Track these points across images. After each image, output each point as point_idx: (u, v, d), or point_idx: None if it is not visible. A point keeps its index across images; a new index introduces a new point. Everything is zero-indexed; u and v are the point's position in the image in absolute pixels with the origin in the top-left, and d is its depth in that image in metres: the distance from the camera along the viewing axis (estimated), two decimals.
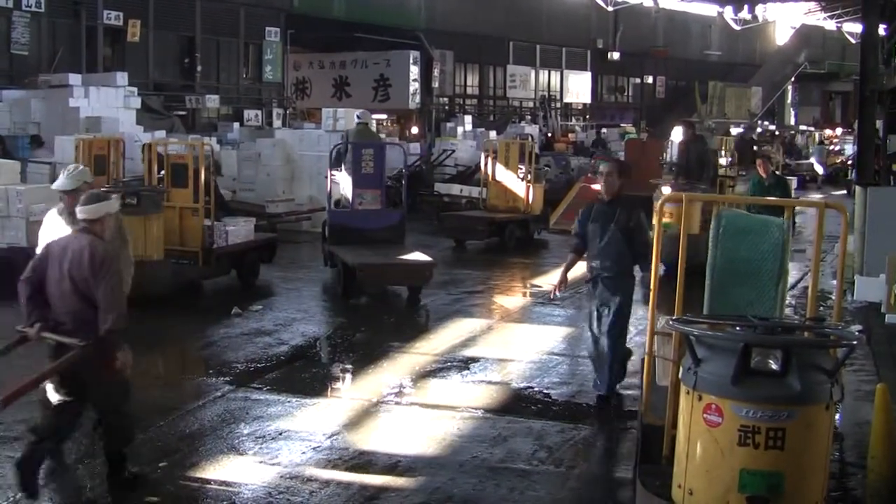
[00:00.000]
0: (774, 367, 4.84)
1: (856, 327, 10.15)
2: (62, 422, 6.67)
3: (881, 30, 16.34)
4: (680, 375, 5.23)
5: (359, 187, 14.67)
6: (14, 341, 6.71)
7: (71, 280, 6.49)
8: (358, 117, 17.97)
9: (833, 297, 9.75)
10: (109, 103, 21.15)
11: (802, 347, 5.02)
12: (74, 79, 21.35)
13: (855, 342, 5.02)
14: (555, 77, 45.08)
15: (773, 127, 49.88)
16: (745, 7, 53.55)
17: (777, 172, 17.62)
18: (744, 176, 20.43)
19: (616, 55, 46.90)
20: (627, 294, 8.87)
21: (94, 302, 6.44)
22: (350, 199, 14.92)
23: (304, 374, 9.84)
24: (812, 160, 39.57)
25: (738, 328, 5.12)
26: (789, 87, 58.40)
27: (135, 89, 22.38)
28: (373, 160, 14.72)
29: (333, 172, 15.48)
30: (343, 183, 15.59)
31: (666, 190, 15.67)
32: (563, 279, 8.96)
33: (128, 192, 12.92)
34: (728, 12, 53.91)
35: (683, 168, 16.84)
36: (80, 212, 6.73)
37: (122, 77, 22.22)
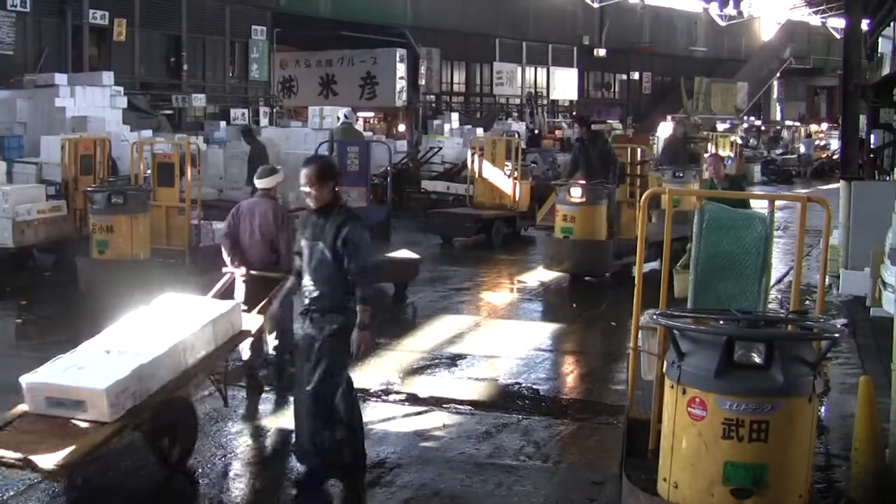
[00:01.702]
0: (758, 360, 4.88)
1: (840, 321, 10.23)
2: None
3: (864, 25, 16.42)
4: (664, 369, 5.26)
5: (344, 184, 14.68)
6: (225, 281, 8.67)
7: (260, 233, 8.80)
8: (345, 117, 18.01)
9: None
10: (96, 103, 21.09)
11: (785, 341, 5.05)
12: (60, 78, 21.29)
13: (837, 335, 5.05)
14: (541, 74, 45.10)
15: (759, 122, 50.00)
16: (731, 3, 53.71)
17: (730, 174, 14.98)
18: (680, 178, 17.54)
19: (602, 52, 46.96)
20: (342, 335, 6.73)
21: (274, 248, 8.76)
22: None
23: (292, 371, 9.83)
24: (802, 150, 40.10)
25: (721, 322, 5.15)
26: (775, 83, 58.56)
27: (121, 88, 22.32)
28: (357, 158, 14.77)
29: None
30: None
31: (576, 191, 14.26)
32: (273, 313, 7.57)
33: (114, 192, 12.93)
34: (713, 8, 54.04)
35: (583, 167, 14.80)
36: (260, 182, 9.02)
37: (108, 76, 22.16)
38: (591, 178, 14.51)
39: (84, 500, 6.75)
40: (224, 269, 8.81)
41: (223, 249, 8.96)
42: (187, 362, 7.01)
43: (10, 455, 6.06)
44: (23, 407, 6.54)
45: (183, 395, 7.10)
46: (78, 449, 6.10)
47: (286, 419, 7.81)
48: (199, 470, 7.08)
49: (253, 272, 8.68)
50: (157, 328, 7.12)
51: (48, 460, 5.97)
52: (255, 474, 7.29)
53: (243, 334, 7.81)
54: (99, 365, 6.60)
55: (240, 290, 8.71)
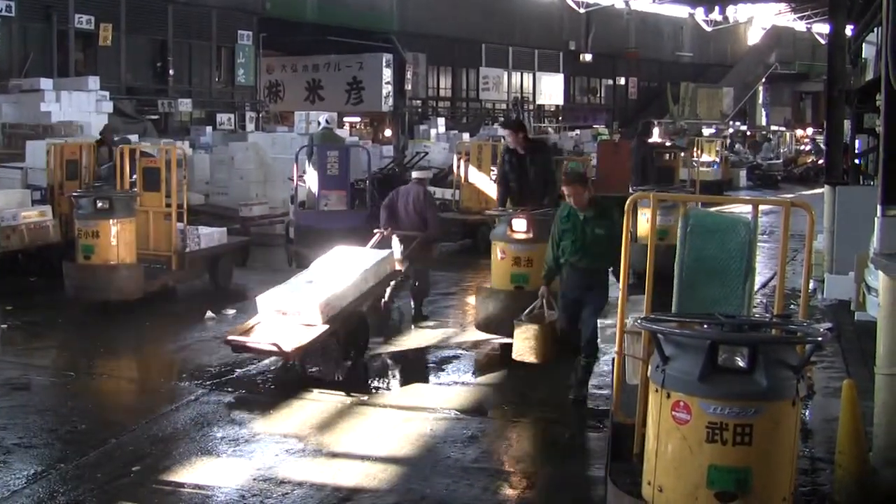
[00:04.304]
0: (741, 364, 4.89)
1: (825, 324, 10.25)
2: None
3: (848, 31, 16.49)
4: (649, 373, 5.28)
5: (324, 189, 14.79)
6: (376, 239, 11.57)
7: (413, 208, 11.93)
8: (326, 121, 18.05)
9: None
10: (81, 107, 21.07)
11: (769, 344, 5.07)
12: (46, 83, 21.27)
13: (820, 338, 5.06)
14: (527, 79, 45.22)
15: (743, 126, 50.17)
16: (717, 8, 53.93)
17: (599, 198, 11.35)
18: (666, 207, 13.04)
19: (588, 57, 47.11)
20: None
21: (423, 218, 11.95)
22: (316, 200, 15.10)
23: (278, 377, 9.84)
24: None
25: (705, 326, 5.17)
26: (761, 88, 58.84)
27: (107, 93, 22.32)
28: (337, 162, 14.87)
29: (301, 174, 15.61)
30: (309, 184, 15.72)
31: (519, 224, 10.62)
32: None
33: (100, 197, 12.89)
34: (699, 14, 54.26)
35: (518, 189, 11.75)
36: (415, 174, 12.80)
37: (93, 81, 22.15)
38: (530, 203, 11.29)
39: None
40: (375, 231, 11.77)
41: (381, 216, 12.04)
42: (363, 289, 10.17)
43: (266, 341, 9.19)
44: (256, 318, 9.65)
45: (360, 310, 10.16)
46: (305, 340, 9.21)
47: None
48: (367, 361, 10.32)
49: (397, 232, 11.75)
50: (342, 266, 10.26)
51: (289, 346, 9.10)
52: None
53: (395, 273, 11.11)
54: (310, 288, 9.73)
55: (396, 247, 11.62)
